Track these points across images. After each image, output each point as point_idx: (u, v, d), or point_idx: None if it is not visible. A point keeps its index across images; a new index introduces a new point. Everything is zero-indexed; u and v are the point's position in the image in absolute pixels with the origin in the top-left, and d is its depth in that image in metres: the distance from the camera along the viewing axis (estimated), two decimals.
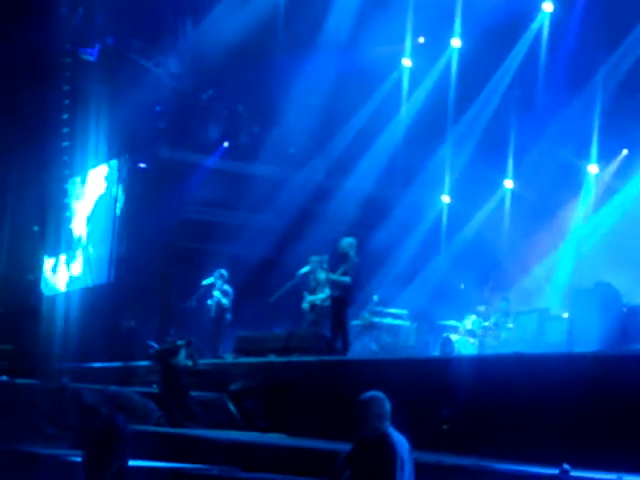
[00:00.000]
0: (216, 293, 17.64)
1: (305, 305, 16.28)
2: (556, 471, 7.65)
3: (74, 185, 23.69)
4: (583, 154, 20.25)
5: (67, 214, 22.89)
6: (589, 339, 15.11)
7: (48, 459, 11.30)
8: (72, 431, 12.52)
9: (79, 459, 9.28)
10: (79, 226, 23.56)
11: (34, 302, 21.41)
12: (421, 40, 21.71)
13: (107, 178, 22.81)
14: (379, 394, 6.70)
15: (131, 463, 8.99)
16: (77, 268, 23.56)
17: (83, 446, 9.22)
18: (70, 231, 23.32)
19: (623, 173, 19.94)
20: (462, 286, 20.01)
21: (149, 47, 21.60)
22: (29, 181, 22.23)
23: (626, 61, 18.54)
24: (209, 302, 17.82)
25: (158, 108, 21.74)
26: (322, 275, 15.90)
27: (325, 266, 15.92)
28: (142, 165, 21.74)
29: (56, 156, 22.03)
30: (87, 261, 23.18)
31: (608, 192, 20.15)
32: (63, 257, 23.95)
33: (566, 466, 7.60)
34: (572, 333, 16.08)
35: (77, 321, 22.13)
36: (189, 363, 14.48)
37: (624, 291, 16.09)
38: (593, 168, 20.34)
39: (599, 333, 15.12)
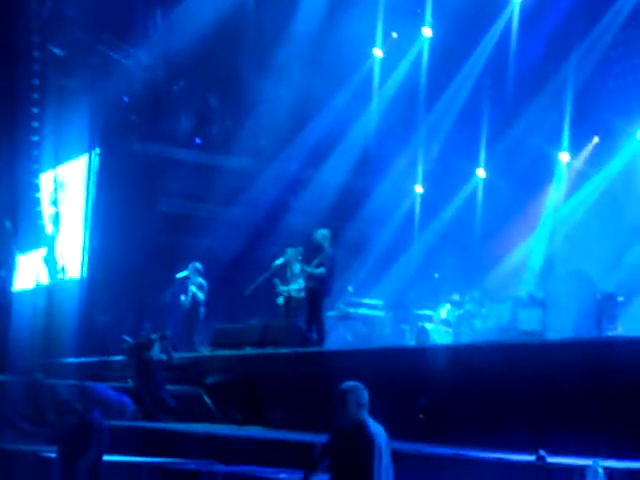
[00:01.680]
0: (191, 287, 17.59)
1: (280, 298, 16.25)
2: (533, 458, 7.68)
3: (46, 179, 23.50)
4: (554, 142, 20.33)
5: (38, 209, 22.68)
6: (563, 326, 15.23)
7: (23, 455, 11.23)
8: (47, 427, 12.46)
9: (54, 455, 9.23)
10: (51, 221, 23.38)
11: (3, 298, 21.23)
12: (394, 35, 21.73)
13: (79, 172, 22.64)
14: (357, 384, 6.71)
15: (107, 458, 8.95)
16: (50, 263, 23.38)
17: (58, 442, 9.18)
18: (42, 226, 23.12)
19: (594, 160, 20.05)
20: (436, 275, 20.06)
21: (119, 39, 21.43)
22: None
23: (597, 49, 18.61)
24: (183, 296, 17.76)
25: (127, 99, 21.59)
26: (297, 267, 15.89)
27: (300, 258, 15.91)
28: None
29: (26, 150, 21.83)
30: (60, 256, 23.00)
31: (580, 179, 20.26)
32: (35, 252, 23.76)
33: (542, 452, 7.64)
34: (546, 320, 16.18)
35: (50, 316, 21.98)
36: (163, 357, 14.44)
37: (598, 277, 16.21)
38: (564, 156, 20.44)
39: (573, 320, 15.23)
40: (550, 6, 18.84)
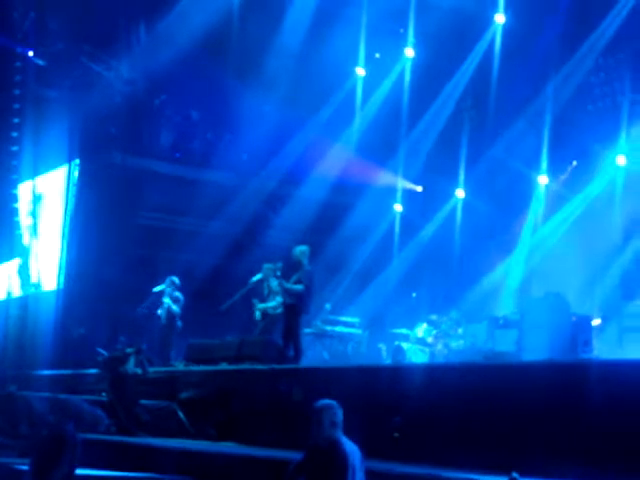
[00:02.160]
0: (167, 300, 17.54)
1: (257, 313, 16.24)
2: (505, 479, 7.69)
3: (24, 190, 23.41)
4: (533, 164, 20.47)
5: (15, 219, 22.57)
6: (538, 347, 15.28)
7: None
8: (20, 439, 12.36)
9: (26, 467, 9.16)
10: (28, 232, 23.26)
11: None
12: (377, 56, 21.83)
13: (57, 183, 22.56)
14: (331, 402, 6.71)
15: (79, 472, 8.88)
16: (23, 274, 23.25)
17: (31, 454, 9.11)
18: (19, 237, 23.01)
19: (573, 183, 20.19)
20: (414, 294, 20.12)
21: (101, 52, 21.41)
22: None
23: (577, 73, 18.77)
24: (160, 309, 17.70)
25: (108, 112, 21.54)
26: (274, 283, 15.88)
27: (278, 274, 15.89)
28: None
29: (5, 160, 21.76)
30: (37, 267, 22.89)
31: (558, 202, 20.39)
32: (10, 263, 23.63)
33: (515, 474, 7.65)
34: (521, 342, 16.24)
35: (24, 328, 21.85)
36: (138, 371, 14.36)
37: (573, 300, 16.30)
38: (543, 178, 20.57)
39: (548, 342, 15.29)
40: (532, 30, 18.98)
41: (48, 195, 23.00)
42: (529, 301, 17.31)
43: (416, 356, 17.23)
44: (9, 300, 23.46)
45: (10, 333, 22.24)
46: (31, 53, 21.11)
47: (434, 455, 9.73)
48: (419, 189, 22.98)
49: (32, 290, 22.83)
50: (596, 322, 15.84)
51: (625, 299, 16.45)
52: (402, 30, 20.97)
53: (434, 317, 18.03)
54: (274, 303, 15.90)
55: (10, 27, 20.62)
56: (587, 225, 18.70)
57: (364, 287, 21.66)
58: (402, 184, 22.46)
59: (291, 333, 15.07)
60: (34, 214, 23.26)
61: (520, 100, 19.67)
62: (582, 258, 17.70)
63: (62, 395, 14.29)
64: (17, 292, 23.31)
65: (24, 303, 22.75)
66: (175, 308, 17.54)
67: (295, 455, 7.10)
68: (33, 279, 22.88)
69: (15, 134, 21.54)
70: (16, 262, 23.34)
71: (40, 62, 21.29)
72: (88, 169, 21.77)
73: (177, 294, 17.67)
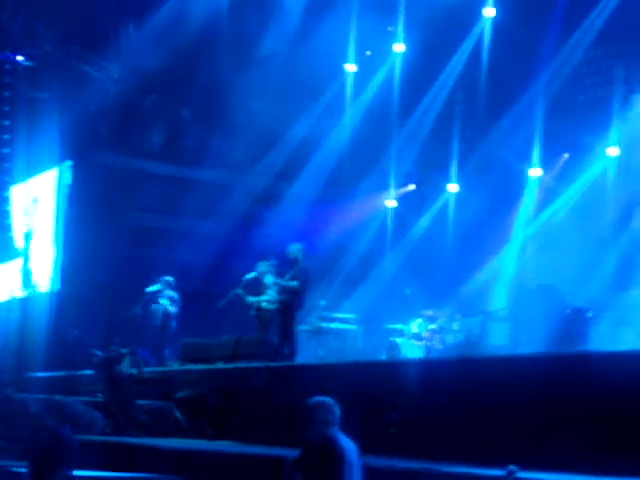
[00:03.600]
0: (163, 300, 17.51)
1: (252, 311, 16.19)
2: (503, 472, 7.70)
3: (16, 193, 23.37)
4: (525, 158, 20.49)
5: (7, 222, 22.53)
6: (533, 340, 15.31)
7: None
8: (18, 442, 12.35)
9: (24, 470, 9.15)
10: (21, 234, 23.21)
11: None
12: (368, 53, 21.80)
13: (50, 185, 22.51)
14: (327, 399, 6.71)
15: (77, 473, 8.88)
16: (19, 276, 23.20)
17: (28, 457, 9.11)
18: (11, 239, 22.96)
19: (564, 176, 20.21)
20: (408, 290, 20.12)
21: (90, 52, 21.37)
22: None
23: (568, 65, 18.77)
24: (154, 310, 17.67)
25: (98, 112, 21.50)
26: (269, 279, 15.84)
27: (273, 270, 15.85)
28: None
29: None
30: (29, 269, 22.84)
31: (550, 195, 20.41)
32: (5, 266, 23.58)
33: (512, 467, 7.66)
34: (516, 335, 16.28)
35: (20, 331, 21.80)
36: (134, 371, 14.36)
37: (567, 292, 16.33)
38: (535, 171, 20.59)
39: (543, 334, 15.32)
40: (521, 22, 18.98)
41: (40, 197, 22.95)
42: (523, 294, 17.32)
43: (411, 351, 17.23)
44: (3, 303, 23.41)
45: (5, 336, 22.20)
46: (20, 56, 21.07)
47: (432, 450, 9.74)
48: (412, 187, 22.99)
49: (28, 293, 22.79)
50: (590, 314, 15.85)
51: (619, 290, 16.47)
52: (391, 28, 20.92)
53: (429, 312, 18.03)
54: (267, 297, 15.84)
55: None
56: (580, 217, 18.73)
57: (359, 283, 21.65)
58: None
59: (286, 330, 15.08)
60: (27, 216, 23.21)
61: (511, 93, 19.67)
62: (575, 250, 17.71)
63: (58, 397, 14.27)
64: (14, 294, 23.27)
65: (23, 305, 22.72)
66: (172, 308, 17.53)
67: (292, 453, 7.10)
68: (28, 281, 22.85)
69: (6, 136, 21.50)
70: (12, 265, 23.30)
71: (29, 64, 21.24)
72: (80, 170, 21.72)
73: (173, 294, 17.65)
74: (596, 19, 18.24)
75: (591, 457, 8.28)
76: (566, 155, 20.51)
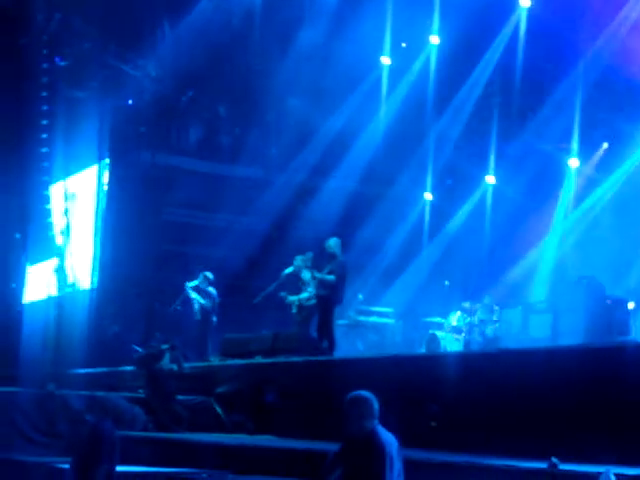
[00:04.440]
0: (194, 295, 17.54)
1: (293, 307, 16.19)
2: (545, 465, 7.67)
3: (55, 191, 23.58)
4: (564, 148, 20.32)
5: (48, 220, 22.73)
6: (574, 332, 15.19)
7: (36, 467, 11.24)
8: (60, 438, 12.47)
9: (67, 466, 9.24)
10: (61, 232, 23.42)
11: (14, 310, 21.28)
12: (403, 45, 21.72)
13: (88, 183, 22.69)
14: (366, 393, 6.69)
15: (119, 469, 8.95)
16: (60, 275, 23.42)
17: (71, 453, 9.19)
18: (52, 237, 23.17)
19: (604, 166, 20.02)
20: (447, 282, 20.03)
21: (127, 51, 21.50)
22: (9, 188, 22.06)
23: (606, 53, 18.55)
24: (195, 305, 17.75)
25: (136, 110, 21.62)
26: (307, 274, 15.85)
27: (309, 264, 15.85)
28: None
29: (36, 162, 21.89)
30: (70, 267, 23.04)
31: (590, 185, 20.23)
32: (46, 264, 23.80)
33: (555, 460, 7.62)
34: (556, 326, 16.16)
35: (61, 327, 22.00)
36: (174, 367, 14.43)
37: (608, 284, 16.18)
38: (574, 162, 20.41)
39: (584, 325, 15.20)
40: (558, 11, 18.81)
41: (79, 195, 23.14)
42: (563, 285, 17.19)
43: (451, 344, 17.18)
44: (47, 300, 23.63)
45: (48, 333, 22.41)
46: (58, 55, 21.23)
47: (472, 443, 9.71)
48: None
49: (68, 290, 23.00)
50: (632, 305, 15.70)
51: None
52: (428, 22, 20.82)
53: (467, 304, 17.94)
54: (306, 294, 15.87)
55: (36, 29, 20.74)
56: (620, 207, 18.54)
57: (396, 276, 21.60)
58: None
59: (325, 325, 15.08)
60: (66, 214, 23.42)
61: (548, 83, 19.51)
62: (615, 241, 17.56)
63: (99, 393, 14.38)
64: (54, 292, 23.49)
65: (60, 303, 22.92)
66: (205, 302, 17.58)
67: (332, 447, 7.10)
68: (69, 279, 23.05)
69: (45, 135, 21.67)
70: (52, 263, 23.52)
71: (67, 63, 21.41)
72: (118, 168, 21.89)
73: (210, 289, 17.72)
74: (634, 6, 18.02)
75: (631, 448, 8.21)
76: (605, 145, 20.31)
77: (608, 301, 15.64)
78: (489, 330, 17.48)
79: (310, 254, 15.92)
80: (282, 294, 16.10)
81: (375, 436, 6.54)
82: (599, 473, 6.59)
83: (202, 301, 17.54)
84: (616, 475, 6.52)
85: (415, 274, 21.40)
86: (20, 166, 21.61)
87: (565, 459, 7.71)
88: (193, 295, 17.53)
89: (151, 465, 10.80)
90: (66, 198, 23.43)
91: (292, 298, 16.06)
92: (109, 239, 21.63)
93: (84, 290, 22.07)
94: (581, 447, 8.49)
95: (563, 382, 9.35)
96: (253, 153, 22.81)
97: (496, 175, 21.75)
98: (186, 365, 15.14)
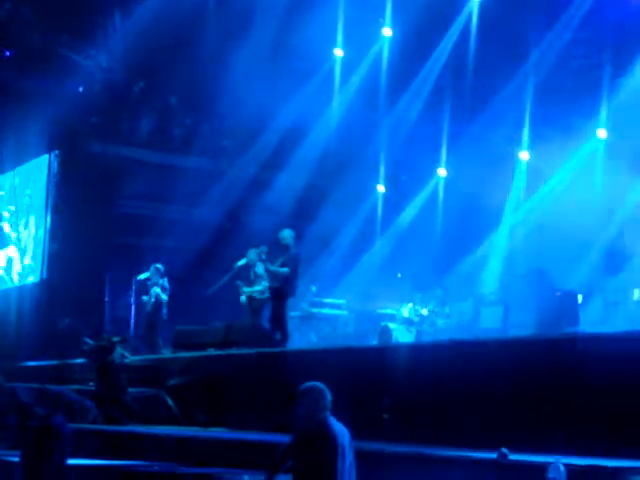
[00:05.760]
0: (154, 288, 17.48)
1: (242, 298, 16.20)
2: (494, 455, 7.73)
3: (5, 181, 23.33)
4: (515, 140, 20.48)
5: None
6: (524, 324, 15.35)
7: None
8: (9, 430, 12.34)
9: (17, 459, 9.15)
10: (10, 223, 23.18)
11: None
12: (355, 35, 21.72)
13: (38, 174, 22.45)
14: (319, 384, 6.71)
15: (70, 462, 8.88)
16: (9, 266, 23.18)
17: (21, 446, 9.10)
18: (0, 228, 22.94)
19: (554, 159, 20.20)
20: (399, 275, 20.14)
21: (78, 40, 21.27)
22: None
23: (557, 46, 18.71)
24: (145, 297, 17.66)
25: (86, 100, 21.42)
26: (260, 267, 15.84)
27: (263, 257, 15.83)
28: None
29: None
30: (20, 259, 22.82)
31: (540, 178, 20.40)
32: None
33: (504, 450, 7.69)
34: (507, 318, 16.31)
35: (10, 320, 21.79)
36: (125, 359, 14.36)
37: (557, 276, 16.36)
38: (525, 154, 20.58)
39: (534, 317, 15.36)
40: (509, 5, 18.92)
41: (29, 186, 22.90)
42: (513, 277, 17.36)
43: (403, 336, 17.27)
44: None
45: None
46: (6, 46, 20.98)
47: (424, 434, 9.77)
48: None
49: (17, 282, 22.77)
50: (580, 297, 15.91)
51: (609, 273, 16.52)
52: (381, 20, 20.86)
53: (419, 296, 18.07)
54: (260, 287, 15.87)
55: None
56: (569, 200, 18.72)
57: (349, 268, 21.66)
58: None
59: (278, 316, 15.08)
60: (16, 205, 23.18)
61: (500, 76, 19.63)
62: (565, 233, 17.73)
63: (50, 386, 14.26)
64: (2, 285, 23.25)
65: (10, 294, 22.69)
66: (163, 296, 17.51)
67: (284, 438, 7.11)
68: (17, 270, 22.83)
69: None
70: (0, 254, 23.27)
71: (16, 53, 21.15)
72: (68, 159, 21.67)
73: (163, 281, 17.63)
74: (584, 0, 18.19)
75: (580, 438, 8.32)
76: (556, 137, 20.51)
77: (558, 293, 15.82)
78: (440, 322, 17.61)
79: (265, 248, 15.91)
80: (238, 282, 16.06)
81: (327, 427, 6.56)
82: (548, 463, 6.65)
83: (162, 295, 17.42)
84: (565, 465, 6.58)
85: (367, 266, 21.48)
86: None
87: (515, 449, 7.78)
88: (156, 290, 17.41)
89: (102, 458, 10.72)
90: (15, 188, 23.20)
91: (246, 290, 16.04)
92: (59, 230, 21.42)
93: (34, 282, 21.87)
94: (531, 438, 8.58)
95: (513, 373, 9.44)
96: (205, 144, 22.71)
97: (447, 167, 21.87)
98: (138, 357, 15.06)
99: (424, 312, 17.65)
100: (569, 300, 15.66)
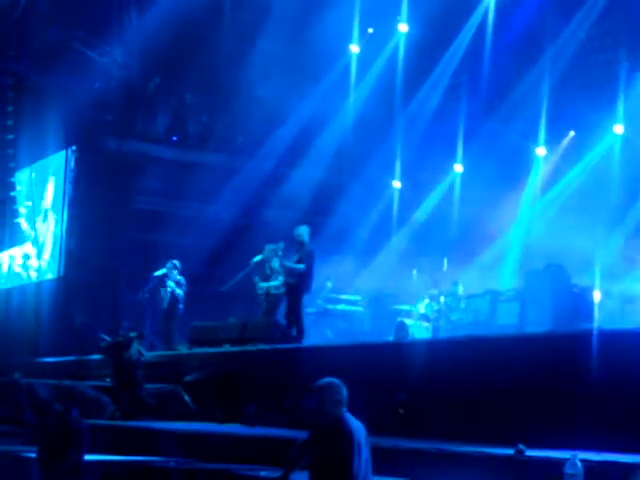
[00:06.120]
0: (170, 284, 17.50)
1: (260, 292, 16.18)
2: (511, 451, 7.72)
3: (22, 177, 23.41)
4: (531, 136, 20.41)
5: (14, 207, 22.57)
6: (541, 320, 15.30)
7: (2, 456, 11.17)
8: (26, 427, 12.40)
9: (34, 455, 9.19)
10: (27, 219, 23.26)
11: None
12: (370, 30, 21.71)
13: (54, 170, 22.54)
14: (335, 380, 6.71)
15: (87, 457, 8.92)
16: (27, 262, 23.27)
17: (38, 442, 9.14)
18: (18, 225, 23.01)
19: (571, 154, 20.13)
20: (415, 270, 20.10)
21: (94, 37, 21.33)
22: None
23: (573, 43, 18.64)
24: (161, 293, 17.68)
25: (103, 97, 21.47)
26: (276, 263, 15.84)
27: (280, 254, 15.83)
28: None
29: (1, 149, 21.73)
30: (37, 255, 22.91)
31: (556, 173, 20.34)
32: (12, 251, 23.64)
33: (521, 446, 7.67)
34: (524, 314, 16.26)
35: (28, 316, 21.89)
36: (142, 356, 14.39)
37: (574, 272, 16.30)
38: (541, 150, 20.52)
39: (551, 313, 15.31)
40: (525, 1, 18.87)
41: (46, 182, 22.98)
42: (530, 274, 17.29)
43: (419, 332, 17.23)
44: (11, 288, 23.48)
45: (13, 321, 22.29)
46: (24, 42, 21.05)
47: (440, 430, 9.76)
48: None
49: (35, 278, 22.86)
50: (597, 293, 15.83)
51: (626, 269, 16.43)
52: (397, 15, 20.83)
53: (435, 292, 18.02)
54: (276, 282, 15.86)
55: (1, 15, 20.54)
56: (586, 195, 18.65)
57: (365, 264, 21.63)
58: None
59: (293, 313, 15.08)
60: (33, 201, 23.27)
61: (516, 72, 19.57)
62: (582, 229, 17.65)
63: (66, 382, 14.31)
64: (20, 280, 23.35)
65: (26, 291, 22.78)
66: (179, 292, 17.54)
67: (300, 434, 7.11)
68: (34, 267, 22.91)
69: (10, 122, 21.50)
70: (18, 250, 23.36)
71: (33, 49, 21.21)
72: (84, 155, 21.73)
73: (179, 278, 17.66)
74: None
75: (597, 434, 8.28)
76: (572, 133, 20.44)
77: (574, 289, 15.76)
78: (454, 316, 17.58)
79: (281, 244, 15.91)
80: (255, 278, 16.07)
81: (343, 423, 6.56)
82: (565, 459, 6.63)
83: (177, 290, 17.45)
84: (582, 461, 6.57)
85: (384, 262, 21.44)
86: None
87: (532, 445, 7.76)
88: (170, 284, 17.44)
89: (118, 454, 10.76)
90: (32, 185, 23.29)
91: (262, 285, 16.05)
92: (76, 227, 21.49)
93: (51, 278, 21.95)
94: (548, 433, 8.56)
95: (529, 369, 9.41)
96: (221, 140, 22.73)
97: (464, 163, 21.82)
98: (154, 353, 15.10)
99: (442, 299, 17.63)
100: (585, 296, 15.60)
